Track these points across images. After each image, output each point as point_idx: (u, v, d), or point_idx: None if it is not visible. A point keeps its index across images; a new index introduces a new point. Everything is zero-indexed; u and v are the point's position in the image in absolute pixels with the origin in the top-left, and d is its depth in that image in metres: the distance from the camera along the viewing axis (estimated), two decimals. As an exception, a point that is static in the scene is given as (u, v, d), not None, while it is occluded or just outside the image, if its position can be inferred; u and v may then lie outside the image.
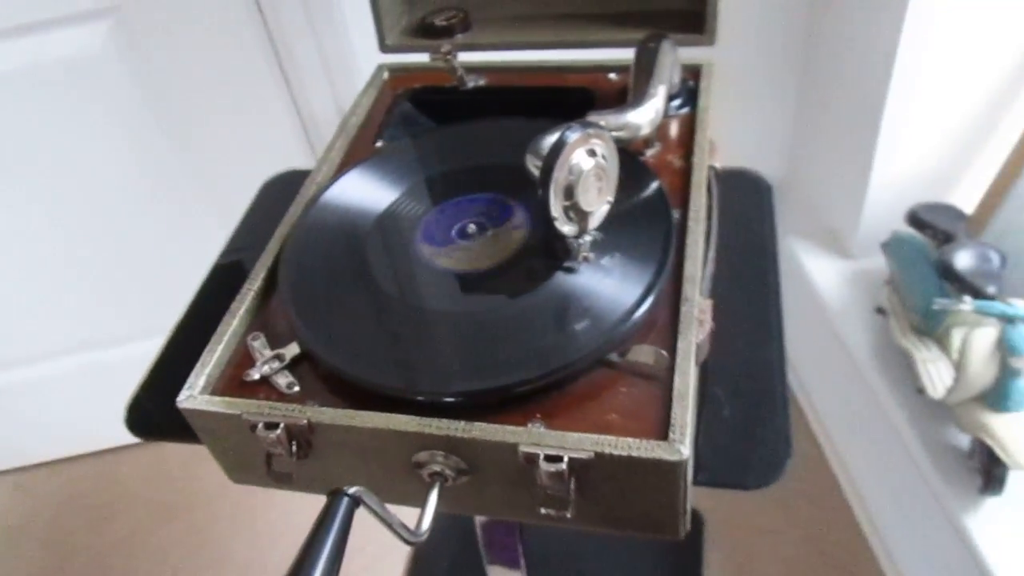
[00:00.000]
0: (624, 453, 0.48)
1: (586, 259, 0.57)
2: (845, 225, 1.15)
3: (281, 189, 0.93)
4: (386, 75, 0.84)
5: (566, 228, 0.55)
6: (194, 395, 0.55)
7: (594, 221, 0.57)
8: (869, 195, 1.08)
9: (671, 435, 0.48)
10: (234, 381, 0.57)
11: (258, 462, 0.57)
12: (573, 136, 0.53)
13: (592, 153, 0.55)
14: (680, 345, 0.53)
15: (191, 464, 1.54)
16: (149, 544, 1.43)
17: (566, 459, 0.48)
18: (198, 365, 0.57)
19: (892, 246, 1.03)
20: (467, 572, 1.33)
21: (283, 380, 0.56)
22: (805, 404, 1.41)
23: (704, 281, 0.59)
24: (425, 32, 0.84)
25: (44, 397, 1.48)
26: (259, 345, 0.58)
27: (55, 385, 1.47)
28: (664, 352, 0.52)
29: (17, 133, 1.08)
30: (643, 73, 0.68)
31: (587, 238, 0.57)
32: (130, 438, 1.50)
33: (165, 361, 0.75)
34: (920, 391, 0.97)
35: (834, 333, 1.10)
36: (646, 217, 0.60)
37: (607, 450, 0.48)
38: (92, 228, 1.22)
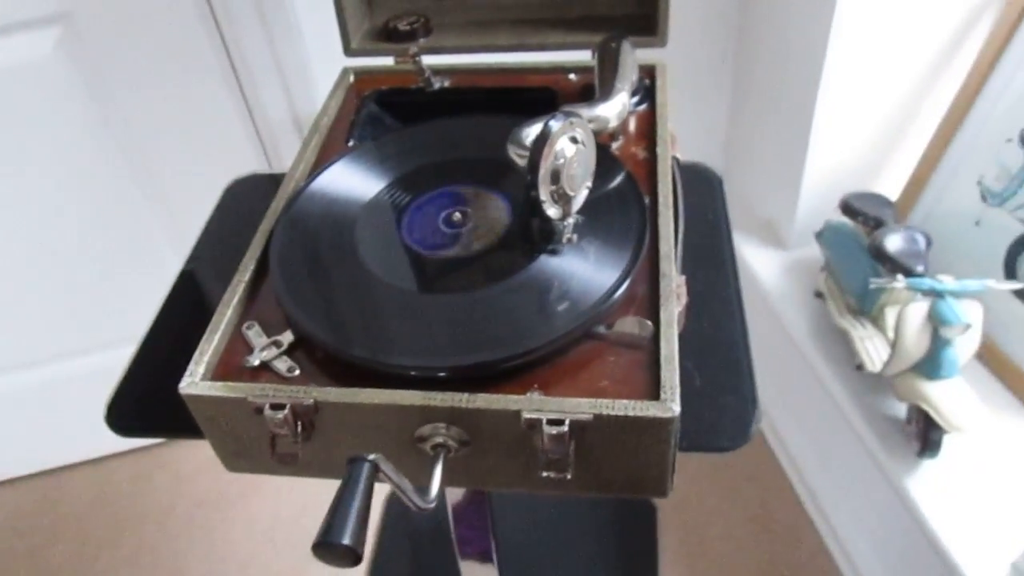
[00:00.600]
0: (621, 413, 0.51)
1: (570, 240, 0.61)
2: (781, 218, 1.22)
3: (246, 191, 0.94)
4: (351, 78, 0.86)
5: (552, 211, 0.59)
6: (195, 381, 0.56)
7: (575, 205, 0.61)
8: (803, 189, 1.16)
9: (663, 395, 0.52)
10: (229, 368, 0.58)
11: (257, 447, 0.59)
12: (557, 124, 0.57)
13: (574, 140, 0.58)
14: (663, 315, 0.57)
15: (138, 482, 1.51)
16: (95, 569, 1.39)
17: (567, 422, 0.51)
18: (196, 354, 0.58)
19: (826, 235, 1.10)
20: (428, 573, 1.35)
21: (283, 365, 0.58)
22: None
23: (676, 259, 0.63)
24: (388, 36, 0.86)
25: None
26: (254, 334, 0.60)
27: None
28: (648, 322, 0.57)
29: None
30: (607, 71, 0.72)
31: (570, 220, 0.60)
32: (70, 459, 1.47)
33: (141, 362, 0.75)
34: (858, 367, 1.04)
35: (775, 319, 1.17)
36: (621, 202, 0.65)
37: (605, 411, 0.51)
38: (36, 239, 1.20)
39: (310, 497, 1.45)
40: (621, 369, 0.56)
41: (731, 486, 1.38)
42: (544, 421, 0.51)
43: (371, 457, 0.48)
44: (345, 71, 0.87)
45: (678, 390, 0.53)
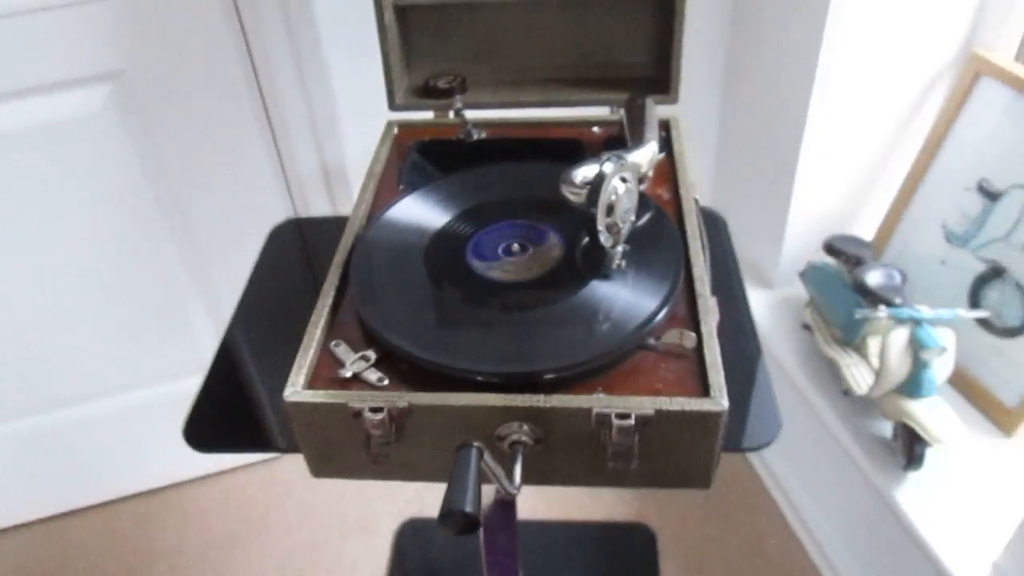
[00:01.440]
0: (679, 408, 0.60)
1: (619, 266, 0.70)
2: (767, 260, 1.34)
3: (288, 234, 1.03)
4: (395, 130, 0.96)
5: (606, 240, 0.68)
6: (298, 390, 0.64)
7: (623, 236, 0.70)
8: (787, 234, 1.28)
9: (712, 393, 0.61)
10: (320, 381, 0.66)
11: (347, 451, 0.66)
12: (612, 166, 0.67)
13: (623, 180, 0.68)
14: (703, 328, 0.67)
15: (144, 524, 1.53)
16: (108, 607, 1.41)
17: (633, 416, 0.60)
18: (295, 367, 0.65)
19: (810, 274, 1.22)
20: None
21: (373, 376, 0.65)
22: (732, 426, 1.57)
23: (707, 282, 0.73)
24: (429, 93, 0.96)
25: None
26: (342, 351, 0.68)
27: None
28: (692, 333, 0.66)
29: (19, 188, 1.12)
30: (636, 124, 0.83)
31: (619, 249, 0.70)
32: (79, 503, 1.49)
33: (210, 388, 0.82)
34: (845, 392, 1.14)
35: (766, 352, 1.27)
36: (657, 236, 0.74)
37: (665, 407, 0.60)
38: (76, 285, 1.25)
39: (318, 534, 1.49)
40: (671, 374, 0.64)
41: (726, 515, 1.46)
42: (613, 415, 0.60)
43: (476, 444, 0.55)
44: (389, 124, 0.96)
45: (725, 389, 0.62)
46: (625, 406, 0.60)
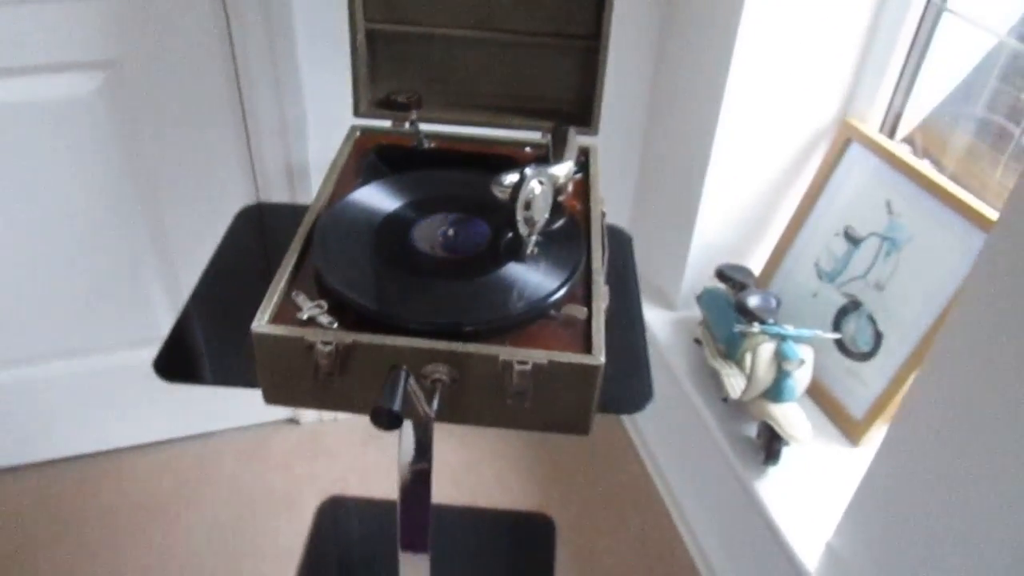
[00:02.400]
0: (566, 360, 0.76)
1: (532, 252, 0.87)
2: (671, 284, 1.53)
3: (254, 215, 1.17)
4: (358, 134, 1.12)
5: (523, 229, 0.85)
6: (263, 324, 0.78)
7: (537, 228, 0.87)
8: (688, 263, 1.47)
9: (594, 351, 0.78)
10: (279, 320, 0.80)
11: (298, 380, 0.80)
12: (531, 171, 0.84)
13: (540, 183, 0.86)
14: (594, 306, 0.83)
15: (80, 486, 1.61)
16: (35, 565, 1.49)
17: (531, 364, 0.76)
18: (261, 306, 0.80)
19: (704, 297, 1.41)
20: (355, 574, 1.52)
21: (325, 319, 0.80)
22: (632, 430, 1.75)
23: (603, 273, 0.90)
24: (389, 106, 1.13)
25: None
26: (301, 300, 0.83)
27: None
28: (585, 308, 0.83)
29: (8, 156, 1.24)
30: (558, 146, 1.01)
31: (534, 239, 0.87)
32: (14, 461, 1.58)
33: (179, 330, 0.95)
34: (724, 399, 1.33)
35: (663, 363, 1.46)
36: (566, 233, 0.92)
37: (555, 359, 0.76)
38: (45, 252, 1.37)
39: (246, 507, 1.60)
40: (565, 338, 0.81)
41: (619, 510, 1.63)
42: (515, 362, 0.76)
43: (404, 367, 0.71)
44: (353, 128, 1.12)
45: (604, 350, 0.79)
46: (525, 356, 0.76)
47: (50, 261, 1.39)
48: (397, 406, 0.67)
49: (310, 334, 0.77)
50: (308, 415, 1.77)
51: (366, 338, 0.77)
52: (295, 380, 0.81)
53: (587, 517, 1.61)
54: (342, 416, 1.79)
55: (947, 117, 1.28)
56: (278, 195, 1.40)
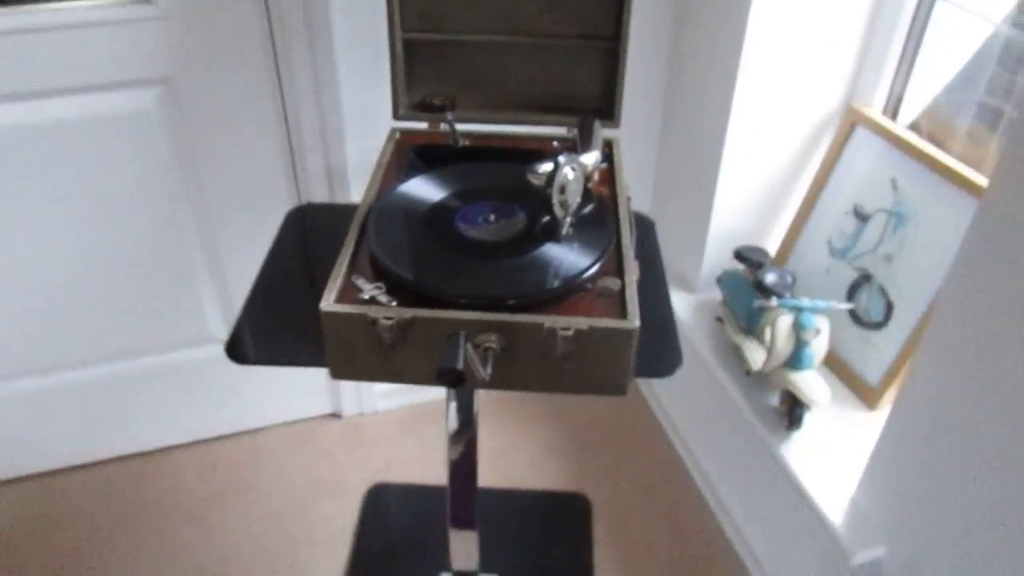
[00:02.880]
0: (604, 326, 0.85)
1: (567, 233, 0.95)
2: (691, 269, 1.61)
3: (304, 215, 1.26)
4: (397, 135, 1.21)
5: (559, 212, 0.94)
6: (331, 303, 0.87)
7: (571, 210, 0.96)
8: (707, 247, 1.55)
9: (628, 316, 0.87)
10: (343, 301, 0.89)
11: (361, 354, 0.89)
12: (564, 158, 0.93)
13: (573, 169, 0.94)
14: (626, 278, 0.92)
15: (138, 482, 1.71)
16: (101, 551, 1.58)
17: (573, 329, 0.85)
18: (327, 288, 0.89)
19: (723, 278, 1.49)
20: (402, 558, 1.60)
21: (384, 299, 0.89)
22: (658, 410, 1.83)
23: (632, 248, 0.99)
24: (425, 108, 1.22)
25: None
26: (361, 283, 0.92)
27: (6, 407, 1.61)
28: (618, 280, 0.91)
29: (74, 168, 1.34)
30: (585, 138, 1.09)
31: (568, 220, 0.96)
32: (77, 460, 1.69)
33: (248, 315, 1.04)
34: (747, 372, 1.41)
35: (687, 343, 1.54)
36: (596, 215, 1.00)
37: (595, 324, 0.85)
38: (103, 258, 1.47)
39: (296, 495, 1.69)
40: (602, 307, 0.90)
41: (648, 485, 1.71)
42: (559, 328, 0.85)
43: (463, 332, 0.80)
44: (393, 130, 1.21)
45: (638, 315, 0.87)
46: (568, 323, 0.85)
47: (107, 267, 1.49)
48: (460, 365, 0.76)
49: (373, 311, 0.86)
50: (349, 409, 1.86)
51: (424, 312, 0.86)
52: (359, 355, 0.90)
53: (619, 494, 1.69)
54: (381, 408, 1.88)
55: (950, 103, 1.35)
56: (318, 196, 1.49)
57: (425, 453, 1.80)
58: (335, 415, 1.87)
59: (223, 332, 1.66)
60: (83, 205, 1.40)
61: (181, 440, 1.78)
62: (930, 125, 1.38)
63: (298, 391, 1.81)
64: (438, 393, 1.91)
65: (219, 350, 1.68)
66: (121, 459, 1.76)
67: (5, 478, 1.70)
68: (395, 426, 1.85)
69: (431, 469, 1.76)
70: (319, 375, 1.80)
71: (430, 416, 1.88)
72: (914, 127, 1.39)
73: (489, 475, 1.74)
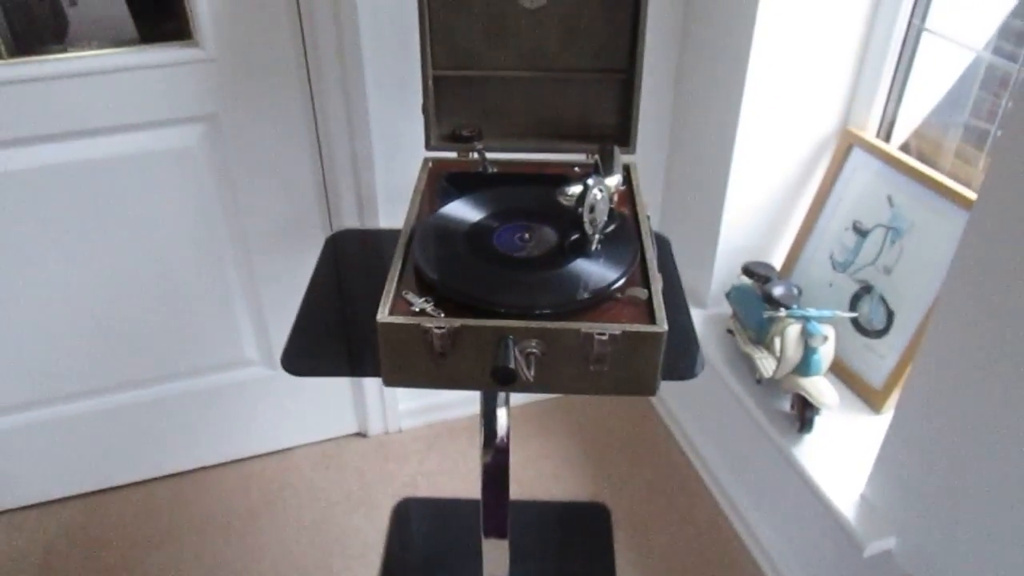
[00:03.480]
0: (635, 330, 0.94)
1: (596, 249, 1.05)
2: (701, 284, 1.70)
3: (345, 239, 1.35)
4: (430, 164, 1.31)
5: (589, 230, 1.03)
6: (386, 315, 0.96)
7: (599, 227, 1.05)
8: (716, 264, 1.65)
9: (657, 321, 0.95)
10: (396, 312, 0.98)
11: (414, 362, 0.97)
12: (593, 180, 1.02)
13: (600, 191, 1.04)
14: (652, 287, 1.01)
15: (176, 500, 1.78)
16: (143, 567, 1.65)
17: (607, 334, 0.94)
18: (381, 302, 0.97)
19: (733, 292, 1.58)
20: (430, 568, 1.67)
21: (433, 311, 0.98)
22: (671, 422, 1.91)
23: (655, 261, 1.08)
24: (455, 139, 1.32)
25: (36, 441, 1.69)
26: (411, 296, 1.00)
27: (46, 430, 1.69)
28: (645, 289, 1.00)
29: (123, 201, 1.44)
30: (607, 162, 1.19)
31: (597, 237, 1.05)
32: (119, 480, 1.76)
33: (298, 330, 1.12)
34: (758, 381, 1.49)
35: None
36: (621, 232, 1.10)
37: (627, 329, 0.94)
38: (147, 285, 1.55)
39: (327, 510, 1.76)
40: (631, 314, 0.98)
41: (665, 494, 1.78)
42: (595, 333, 0.94)
43: (511, 336, 0.88)
44: (425, 160, 1.31)
45: (665, 321, 0.96)
46: (603, 328, 0.94)
47: (150, 293, 1.57)
48: (512, 364, 0.85)
49: (425, 321, 0.95)
50: (374, 427, 1.93)
51: (472, 322, 0.95)
52: (412, 362, 0.98)
53: (638, 503, 1.77)
54: (405, 426, 1.96)
55: (938, 124, 1.46)
56: (349, 222, 1.58)
57: (449, 468, 1.87)
58: (361, 434, 1.95)
59: (258, 355, 1.74)
60: (130, 234, 1.49)
61: (216, 460, 1.85)
62: (921, 144, 1.48)
63: (326, 411, 1.89)
64: (460, 411, 1.99)
65: (254, 372, 1.76)
66: (160, 479, 1.83)
67: (51, 498, 1.77)
68: (419, 443, 1.93)
69: (456, 483, 1.83)
70: (346, 396, 1.88)
71: (453, 433, 1.96)
72: (905, 147, 1.49)
73: (512, 487, 1.80)
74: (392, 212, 1.59)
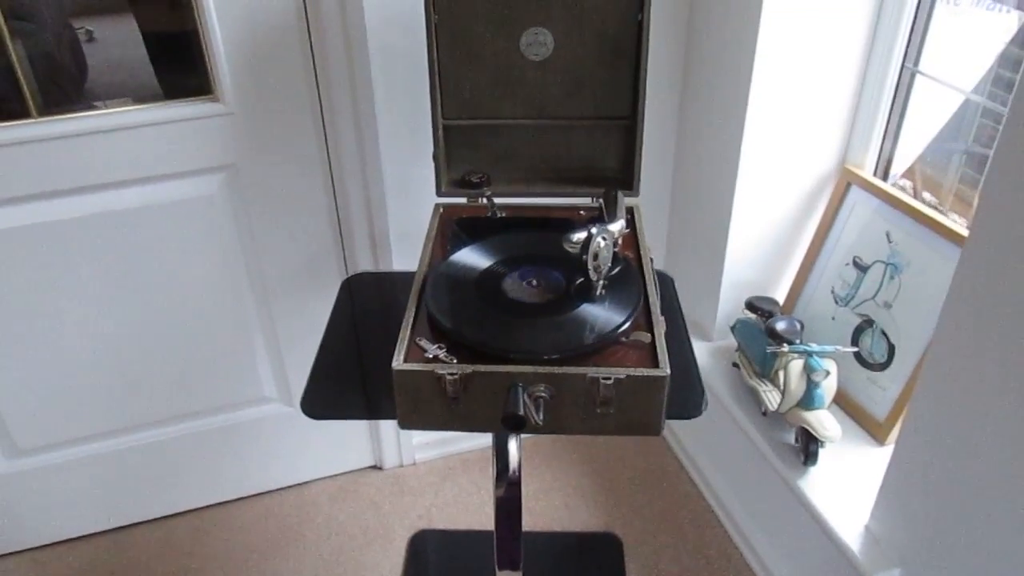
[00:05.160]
0: (639, 374, 0.98)
1: (601, 294, 1.09)
2: (707, 319, 1.74)
3: (359, 282, 1.40)
4: (441, 210, 1.36)
5: (593, 276, 1.08)
6: (401, 362, 1.00)
7: (603, 274, 1.10)
8: (721, 299, 1.69)
9: (660, 365, 1.00)
10: (411, 359, 1.03)
11: (428, 406, 1.02)
12: (597, 229, 1.07)
13: (604, 238, 1.08)
14: (655, 331, 1.05)
15: (196, 535, 1.82)
16: (168, 600, 1.69)
17: (613, 378, 0.98)
18: (396, 349, 1.02)
19: (738, 326, 1.62)
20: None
21: (445, 356, 1.02)
22: (682, 454, 1.95)
23: (658, 306, 1.12)
24: (464, 185, 1.37)
25: (62, 480, 1.74)
26: (424, 343, 1.05)
27: (71, 470, 1.74)
28: (648, 334, 1.05)
29: (148, 247, 1.49)
30: (610, 208, 1.24)
31: (601, 283, 1.09)
32: (140, 516, 1.80)
33: (315, 375, 1.17)
34: (763, 413, 1.53)
35: (706, 387, 1.66)
36: (625, 276, 1.14)
37: (632, 373, 0.98)
38: (169, 327, 1.61)
39: (344, 543, 1.80)
40: (635, 357, 1.03)
41: (676, 524, 1.81)
42: (600, 378, 0.98)
43: (520, 383, 0.93)
44: (437, 206, 1.36)
45: (668, 364, 1.00)
46: (608, 372, 0.98)
47: (172, 336, 1.63)
48: (521, 411, 0.89)
49: (439, 367, 0.99)
50: (389, 461, 1.97)
51: (483, 368, 0.99)
52: (426, 406, 1.02)
53: (649, 534, 1.80)
54: (419, 459, 2.00)
55: (935, 161, 1.50)
56: (363, 264, 1.63)
57: (463, 500, 1.91)
58: (377, 467, 1.99)
59: (276, 392, 1.79)
60: (153, 279, 1.54)
61: (235, 495, 1.89)
62: (919, 181, 1.52)
63: (342, 445, 1.93)
64: (472, 443, 2.03)
65: (272, 409, 1.81)
66: (180, 514, 1.87)
67: (76, 535, 1.81)
68: (434, 476, 1.97)
69: (470, 515, 1.87)
70: (361, 429, 1.92)
71: (466, 465, 2.00)
72: (900, 187, 1.53)
73: (526, 518, 1.84)
74: (405, 252, 1.64)
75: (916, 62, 1.44)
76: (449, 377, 0.99)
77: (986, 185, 1.02)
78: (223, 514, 1.88)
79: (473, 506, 1.89)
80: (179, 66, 1.40)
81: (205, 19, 1.34)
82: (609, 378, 0.98)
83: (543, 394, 1.00)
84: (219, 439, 1.80)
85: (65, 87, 1.42)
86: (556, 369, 0.98)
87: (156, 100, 1.40)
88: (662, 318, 1.10)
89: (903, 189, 1.51)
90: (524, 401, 0.94)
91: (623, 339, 1.05)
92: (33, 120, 1.35)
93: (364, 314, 1.34)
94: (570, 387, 0.99)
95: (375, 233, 1.61)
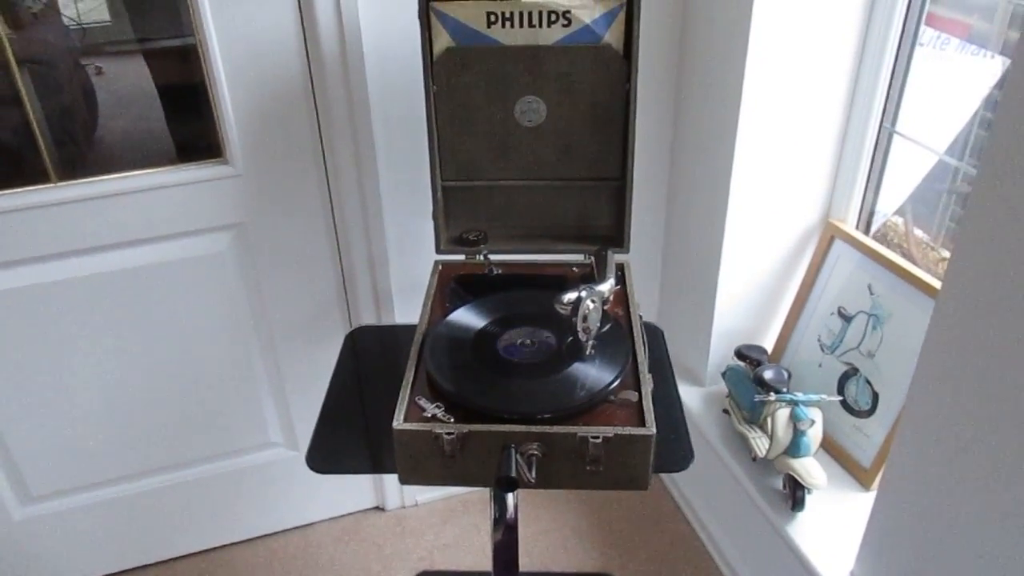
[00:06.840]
0: (626, 432, 1.04)
1: (590, 354, 1.15)
2: (698, 365, 1.80)
3: (362, 336, 1.46)
4: (440, 267, 1.42)
5: (582, 337, 1.14)
6: (401, 422, 1.06)
7: (592, 335, 1.15)
8: (712, 347, 1.74)
9: (647, 424, 1.05)
10: (410, 419, 1.08)
11: (426, 464, 1.07)
12: (586, 291, 1.13)
13: (593, 301, 1.14)
14: (643, 390, 1.11)
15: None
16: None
17: (601, 437, 1.03)
18: (397, 409, 1.07)
19: (728, 374, 1.67)
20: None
21: (443, 415, 1.08)
22: (677, 495, 1.99)
23: (645, 364, 1.18)
24: (462, 243, 1.43)
25: (73, 525, 1.79)
26: (423, 402, 1.11)
27: (82, 514, 1.79)
28: (636, 392, 1.10)
29: (159, 302, 1.56)
30: (601, 267, 1.30)
31: (590, 343, 1.15)
32: (148, 559, 1.84)
33: (319, 432, 1.22)
34: (753, 459, 1.58)
35: (697, 431, 1.71)
36: (614, 335, 1.20)
37: (619, 432, 1.04)
38: (177, 378, 1.67)
39: (348, 585, 1.84)
40: (623, 416, 1.08)
41: (670, 564, 1.85)
42: (589, 437, 1.03)
43: (513, 446, 0.98)
44: (436, 263, 1.43)
45: (654, 424, 1.06)
46: (597, 431, 1.04)
47: (182, 385, 1.69)
48: (513, 472, 0.94)
49: (437, 427, 1.05)
50: (391, 502, 2.02)
51: (478, 427, 1.05)
52: (425, 463, 1.08)
53: (644, 573, 1.84)
54: (421, 500, 2.04)
55: (929, 196, 1.55)
56: (366, 316, 1.70)
57: (464, 541, 1.95)
58: (379, 508, 2.04)
59: (281, 438, 1.84)
60: (164, 332, 1.61)
61: (241, 537, 1.94)
62: (907, 219, 1.58)
63: (345, 487, 1.98)
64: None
65: (277, 454, 1.86)
66: (186, 556, 1.92)
67: (85, 578, 1.86)
68: (435, 517, 2.01)
69: (471, 556, 1.91)
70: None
71: (467, 506, 2.04)
72: (883, 237, 1.59)
73: (525, 559, 1.89)
74: (406, 304, 1.70)
75: (893, 122, 1.51)
76: (447, 436, 1.04)
77: (955, 241, 1.07)
78: (229, 556, 1.92)
79: (474, 547, 1.93)
80: (193, 133, 1.47)
81: (216, 89, 1.41)
82: (598, 437, 1.03)
83: (536, 452, 1.05)
84: (226, 483, 1.85)
85: (77, 137, 1.50)
86: (548, 428, 1.04)
87: (169, 160, 1.48)
88: (649, 376, 1.16)
89: (894, 227, 1.58)
90: (517, 461, 1.00)
91: (612, 397, 1.10)
92: (52, 185, 1.42)
93: (366, 368, 1.40)
94: (561, 445, 1.05)
95: (377, 287, 1.67)
